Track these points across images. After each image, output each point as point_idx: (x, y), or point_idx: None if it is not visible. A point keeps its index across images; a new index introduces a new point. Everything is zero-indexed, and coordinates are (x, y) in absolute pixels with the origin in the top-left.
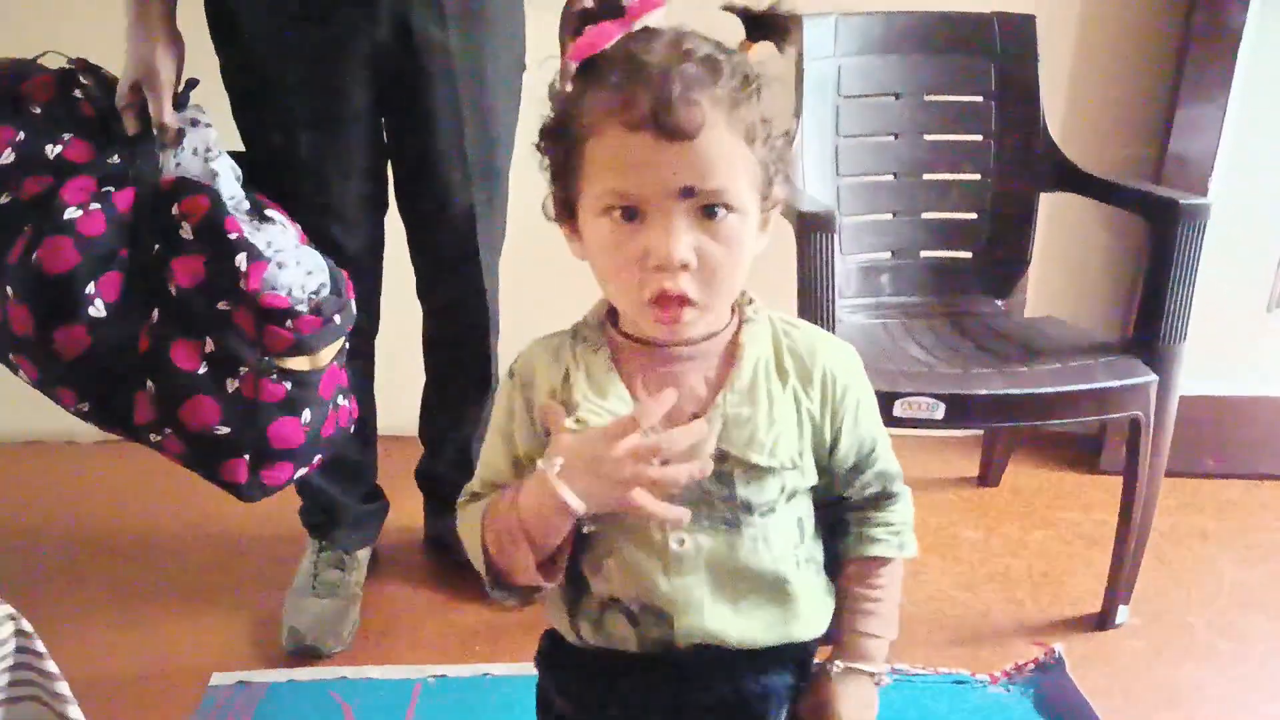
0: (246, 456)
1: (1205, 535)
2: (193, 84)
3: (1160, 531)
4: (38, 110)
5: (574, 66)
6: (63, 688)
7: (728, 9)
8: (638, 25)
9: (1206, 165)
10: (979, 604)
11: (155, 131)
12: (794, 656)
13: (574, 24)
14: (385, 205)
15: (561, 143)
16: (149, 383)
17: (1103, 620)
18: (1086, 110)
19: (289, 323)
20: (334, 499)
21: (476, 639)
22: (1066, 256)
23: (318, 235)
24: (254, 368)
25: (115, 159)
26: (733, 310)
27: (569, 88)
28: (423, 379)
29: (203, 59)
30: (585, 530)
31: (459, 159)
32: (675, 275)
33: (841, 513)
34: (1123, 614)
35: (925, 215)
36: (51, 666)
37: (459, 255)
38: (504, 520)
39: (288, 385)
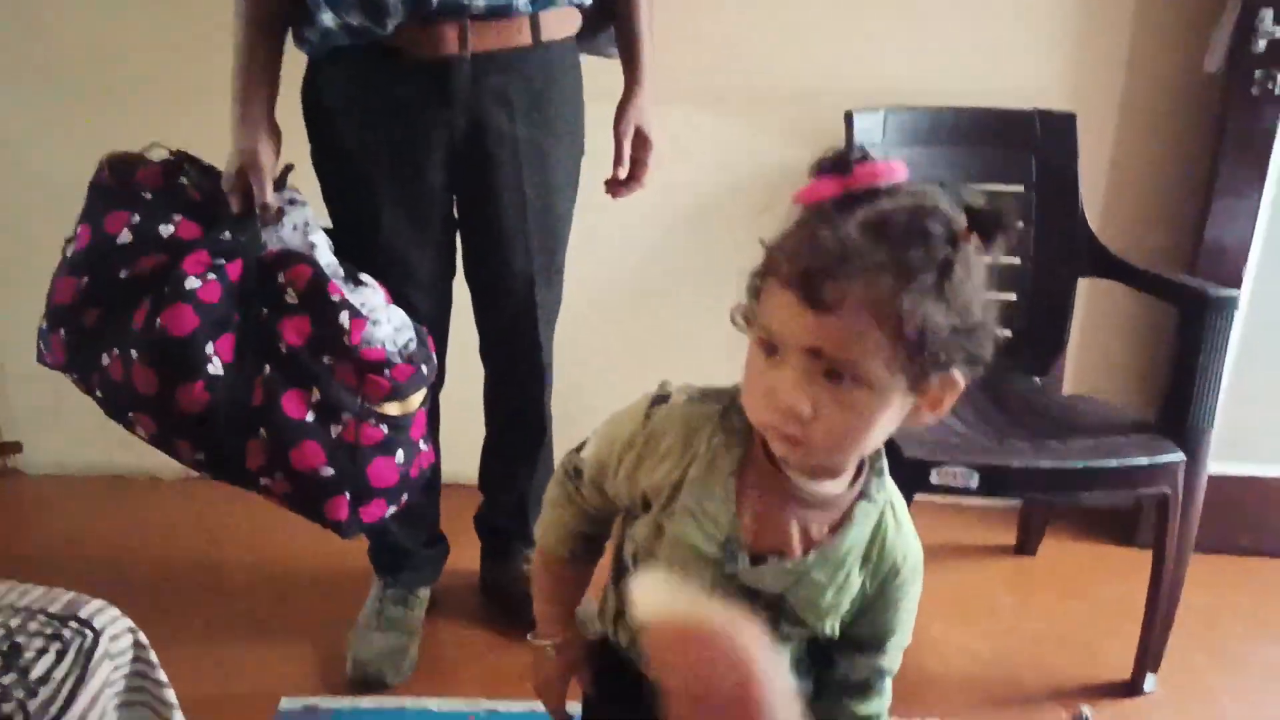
0: (348, 495)
1: (1236, 611)
2: (290, 169)
3: (1192, 606)
4: (149, 195)
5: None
6: (170, 695)
7: (961, 206)
8: (859, 189)
9: (1241, 255)
10: (1011, 668)
11: (258, 210)
12: None
13: (812, 168)
14: (454, 272)
15: (761, 264)
16: (261, 431)
17: (1131, 688)
18: (1124, 200)
19: (386, 372)
20: (400, 541)
21: (525, 677)
22: (1104, 338)
23: (396, 298)
24: (355, 414)
25: (226, 235)
26: (858, 473)
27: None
28: (483, 433)
29: (293, 144)
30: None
31: (521, 234)
32: (786, 419)
33: (824, 680)
34: (1150, 682)
35: None
36: (161, 675)
37: (518, 318)
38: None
39: (384, 429)
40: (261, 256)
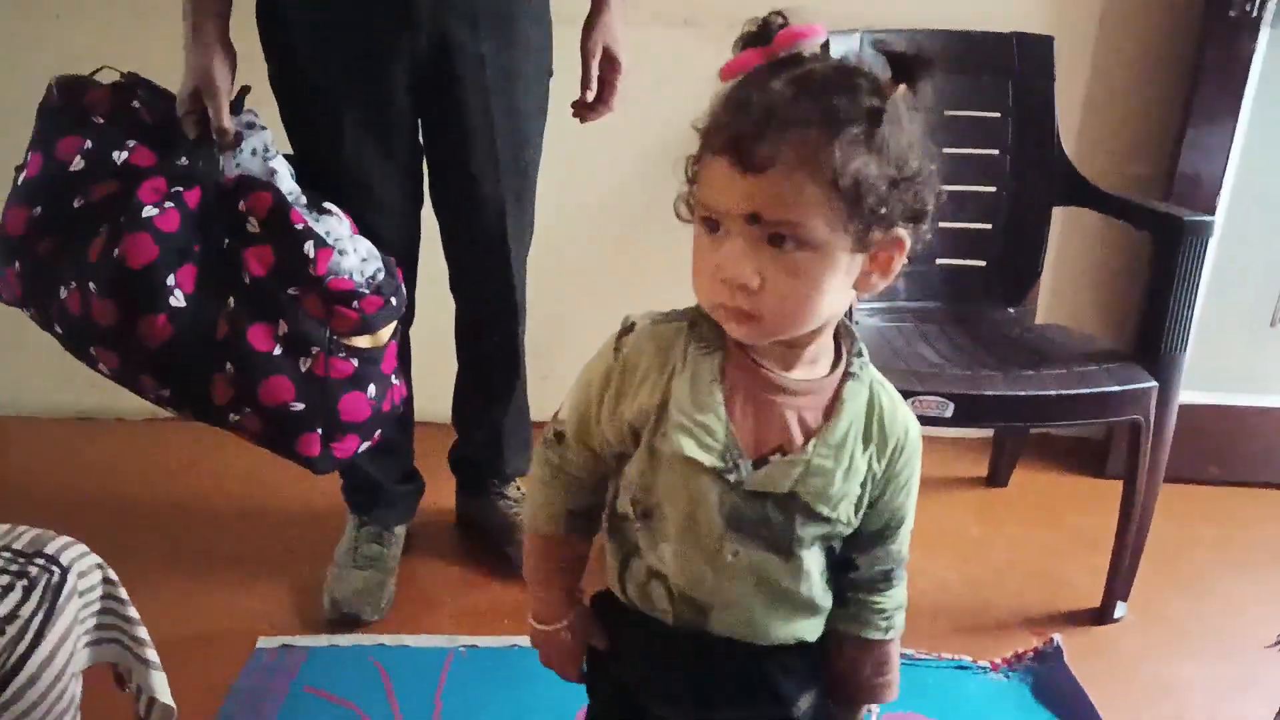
0: (319, 430)
1: (1204, 540)
2: (246, 90)
3: (1161, 535)
4: (100, 120)
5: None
6: (142, 632)
7: (880, 51)
8: (783, 53)
9: (1214, 184)
10: (982, 597)
11: (215, 135)
12: (810, 653)
13: (737, 43)
14: (421, 200)
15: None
16: (228, 365)
17: (1101, 615)
18: (1100, 128)
19: (355, 304)
20: (375, 478)
21: (504, 613)
22: (1077, 267)
23: (362, 228)
24: (324, 347)
25: (183, 161)
26: (838, 357)
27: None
28: (455, 368)
29: (250, 68)
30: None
31: (490, 158)
32: (734, 293)
33: (844, 580)
34: (1120, 610)
35: (941, 224)
36: (132, 612)
37: (489, 248)
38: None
39: (355, 362)
40: (220, 183)
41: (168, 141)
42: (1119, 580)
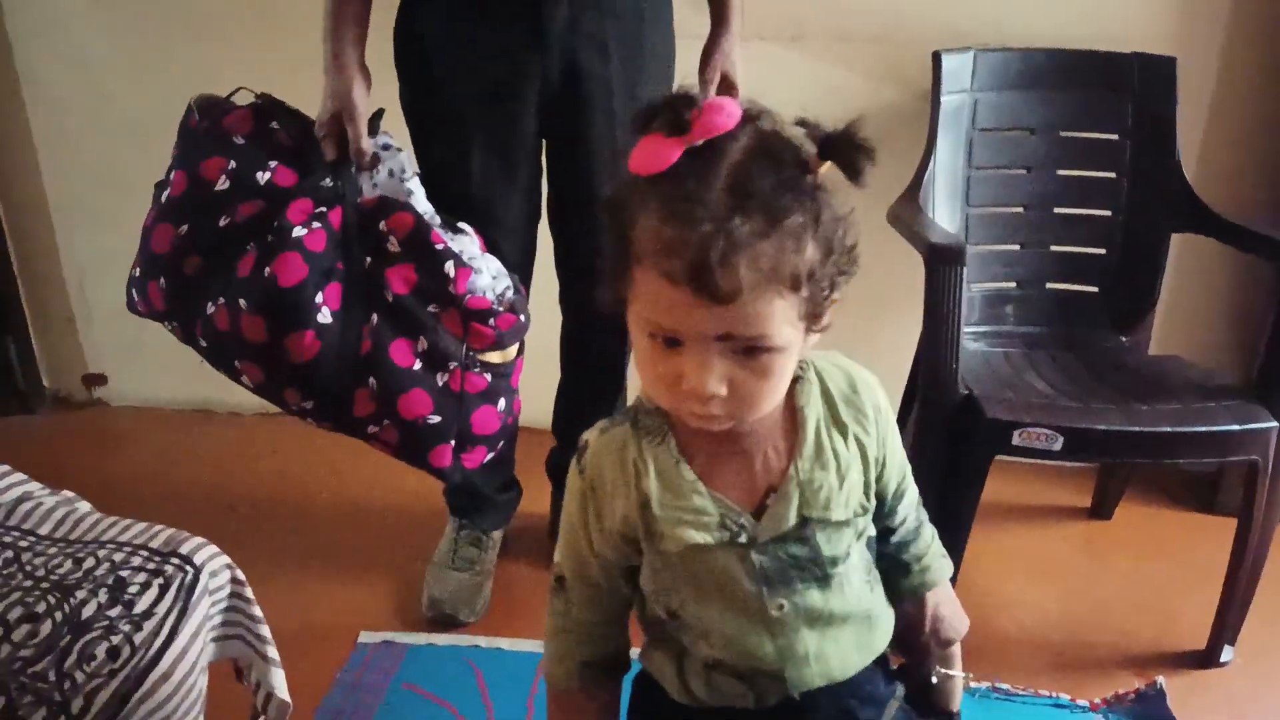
0: (452, 443)
1: None
2: (381, 113)
3: (1275, 578)
4: (241, 141)
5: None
6: (264, 630)
7: (799, 124)
8: (701, 142)
9: None
10: (1083, 632)
11: (354, 157)
12: (878, 661)
13: (638, 124)
14: (539, 218)
15: (616, 241)
16: (370, 380)
17: (1207, 658)
18: (1223, 153)
19: (491, 321)
20: (477, 485)
21: None
22: (1195, 296)
23: (486, 245)
24: (461, 363)
25: (326, 181)
26: None
27: (625, 190)
28: (554, 375)
29: (381, 91)
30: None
31: (612, 179)
32: (705, 403)
33: (892, 555)
34: (1228, 653)
35: (1053, 248)
36: (257, 611)
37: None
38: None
39: (488, 377)
40: (360, 204)
41: (306, 162)
42: (1228, 622)
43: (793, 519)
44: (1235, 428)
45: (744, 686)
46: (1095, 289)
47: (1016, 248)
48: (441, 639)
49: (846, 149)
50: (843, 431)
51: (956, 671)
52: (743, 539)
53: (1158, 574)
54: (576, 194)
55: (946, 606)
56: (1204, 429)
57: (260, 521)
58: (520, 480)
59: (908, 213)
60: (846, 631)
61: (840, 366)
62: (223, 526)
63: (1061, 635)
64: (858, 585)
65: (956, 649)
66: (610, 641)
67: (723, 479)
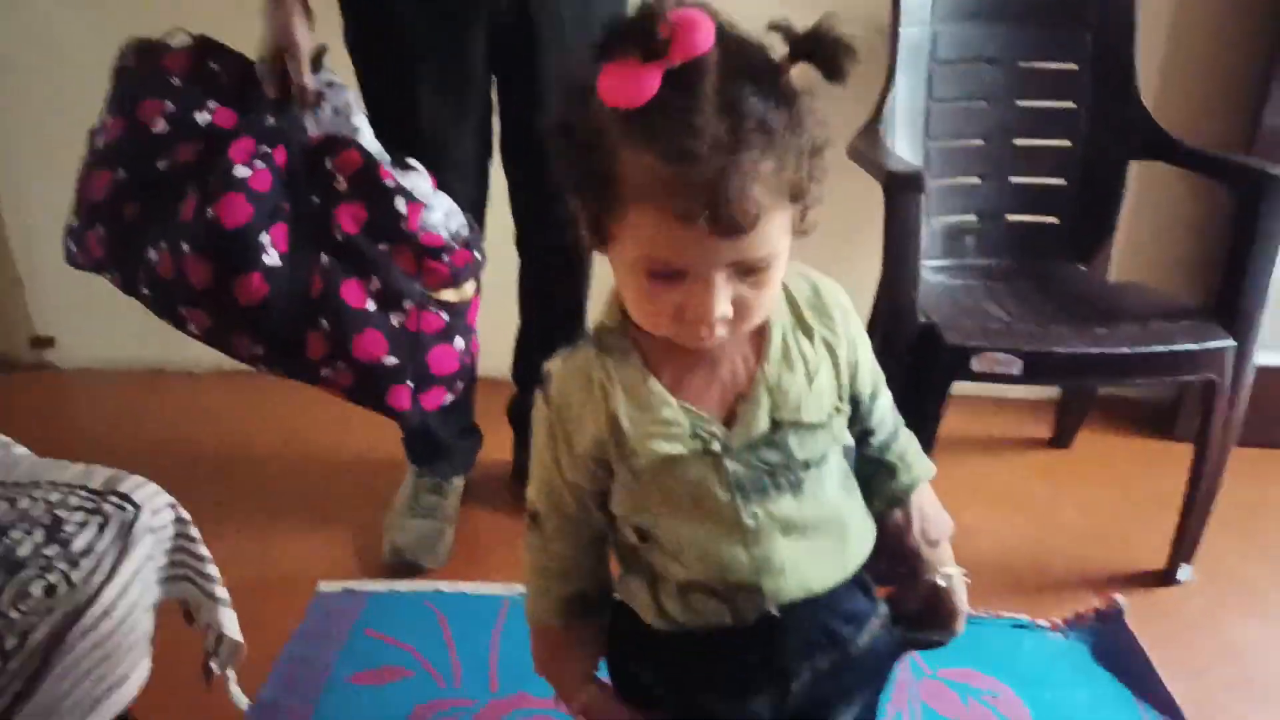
0: (410, 383)
1: (1275, 504)
2: (323, 49)
3: (1230, 498)
4: (179, 82)
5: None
6: (212, 569)
7: (772, 28)
8: (680, 63)
9: None
10: (1044, 557)
11: (297, 95)
12: (857, 580)
13: (604, 48)
14: (491, 156)
15: (595, 181)
16: (323, 321)
17: (1165, 577)
18: (1180, 81)
19: (445, 258)
20: (435, 431)
21: None
22: (1153, 224)
23: (437, 183)
24: (416, 302)
25: (269, 120)
26: None
27: (599, 121)
28: (513, 324)
29: (324, 28)
30: (642, 533)
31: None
32: (711, 327)
33: (875, 458)
34: (1185, 572)
35: (1013, 179)
36: (204, 550)
37: (558, 206)
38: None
39: (444, 316)
40: (306, 142)
41: (248, 102)
42: (1185, 543)
43: (764, 423)
44: (1192, 347)
45: (721, 604)
46: (1055, 219)
47: (976, 180)
48: (403, 585)
49: (823, 46)
50: (809, 334)
51: (953, 569)
52: (715, 447)
53: (1117, 499)
54: (529, 130)
55: (931, 506)
56: (1161, 349)
57: (218, 477)
58: (481, 429)
59: (868, 146)
60: (821, 539)
61: (802, 274)
62: (179, 482)
63: (1023, 561)
64: (832, 491)
65: (947, 549)
66: (590, 576)
67: (692, 390)
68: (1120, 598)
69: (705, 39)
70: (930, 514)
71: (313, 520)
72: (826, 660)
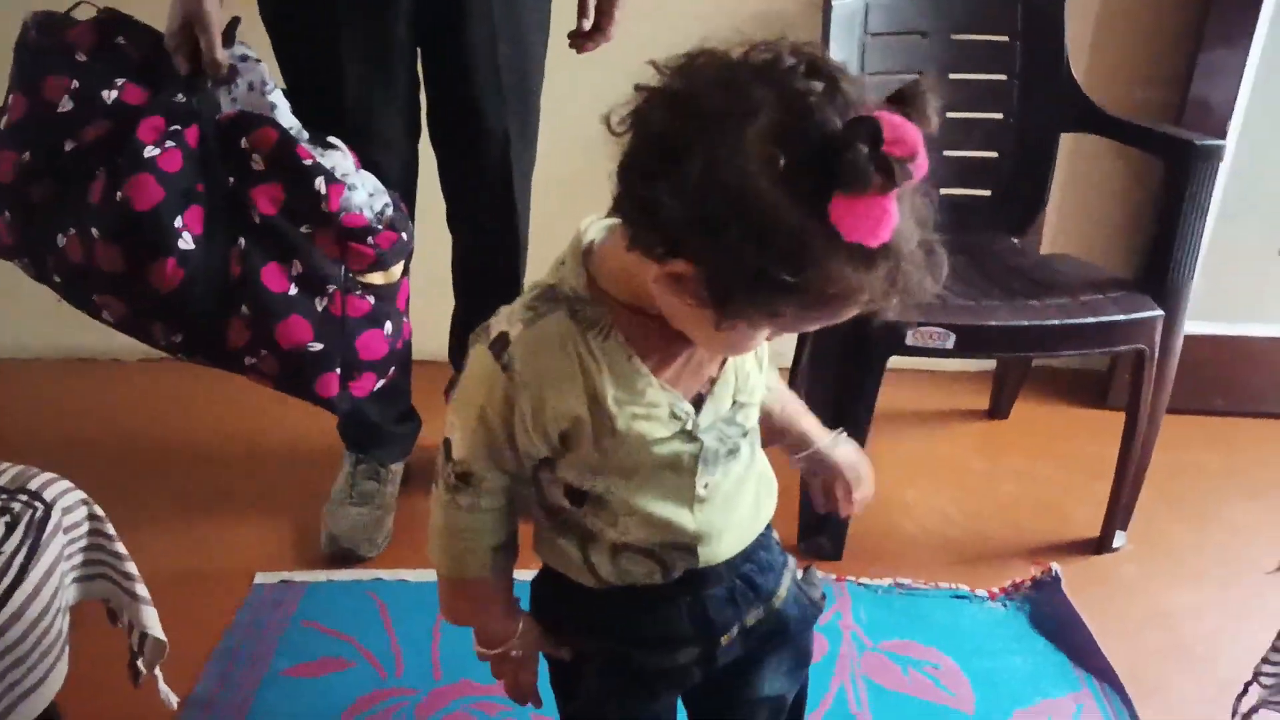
0: (338, 370)
1: (1207, 470)
2: (236, 22)
3: (1163, 465)
4: (85, 58)
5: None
6: (130, 567)
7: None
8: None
9: (1226, 110)
10: (982, 528)
11: (208, 70)
12: (766, 534)
13: (818, 178)
14: (419, 133)
15: (770, 275)
16: (243, 307)
17: (1100, 545)
18: (1110, 52)
19: (369, 240)
20: (371, 417)
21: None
22: (1085, 196)
23: (363, 163)
24: (340, 285)
25: (179, 98)
26: None
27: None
28: (449, 306)
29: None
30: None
31: (494, 88)
32: None
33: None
34: (1120, 539)
35: (945, 153)
36: (120, 548)
37: (492, 183)
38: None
39: (371, 300)
40: (219, 120)
41: (157, 78)
42: (1119, 510)
43: (728, 404)
44: (1121, 319)
45: (652, 563)
46: (988, 192)
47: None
48: (341, 575)
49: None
50: None
51: (831, 433)
52: (689, 426)
53: (1053, 469)
54: (456, 102)
55: (784, 390)
56: (1091, 321)
57: (146, 467)
58: (420, 413)
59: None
60: (748, 497)
61: None
62: (105, 477)
63: (961, 532)
64: (755, 447)
65: (814, 420)
66: (511, 524)
67: (670, 372)
68: (1056, 566)
69: (924, 153)
70: (787, 394)
71: (248, 511)
72: (753, 615)
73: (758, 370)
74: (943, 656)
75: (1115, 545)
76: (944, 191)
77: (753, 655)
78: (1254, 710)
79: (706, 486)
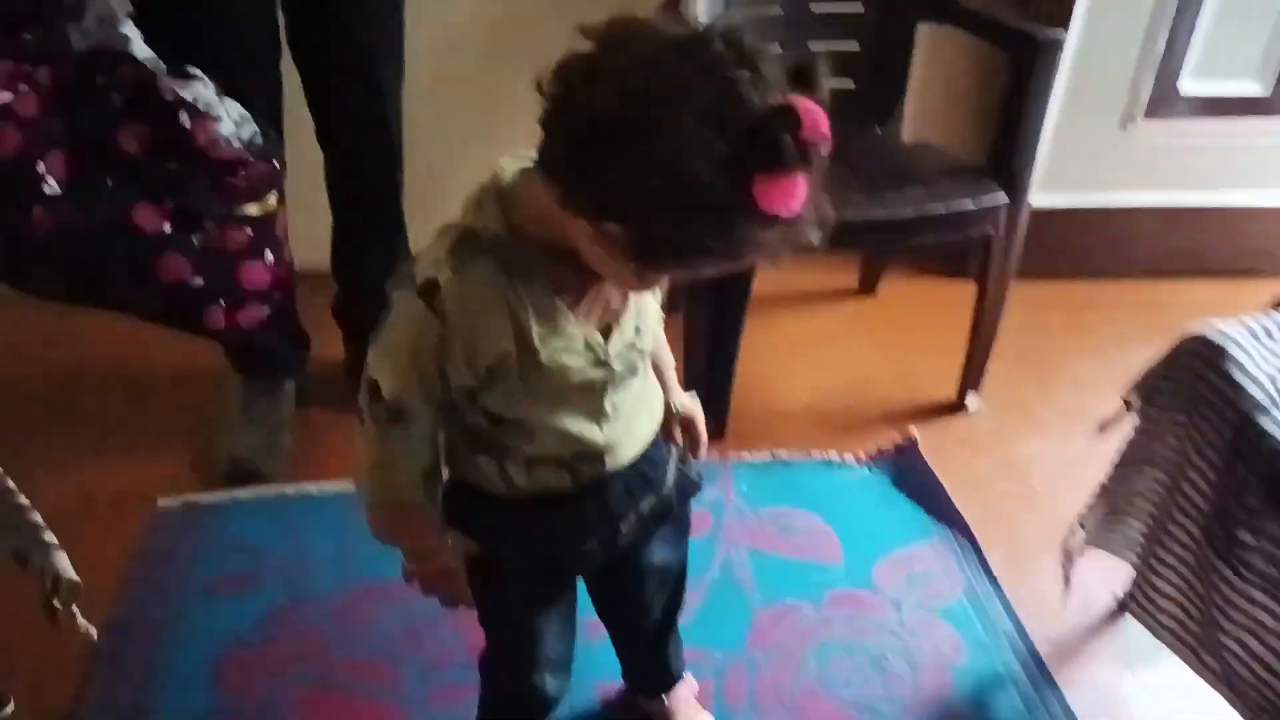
0: (222, 303)
1: (1053, 330)
2: None
3: (1013, 328)
4: None
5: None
6: (35, 517)
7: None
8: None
9: None
10: (852, 400)
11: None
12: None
13: (745, 163)
14: (280, 50)
15: (698, 240)
16: (119, 249)
17: (954, 407)
18: None
19: (241, 171)
20: (259, 340)
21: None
22: (942, 85)
23: (226, 89)
24: (216, 219)
25: (26, 37)
26: None
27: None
28: (326, 216)
29: None
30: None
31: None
32: None
33: None
34: (973, 401)
35: (810, 44)
36: (22, 500)
37: (361, 98)
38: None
39: (249, 231)
40: (72, 58)
41: (3, 20)
42: (971, 374)
43: (632, 330)
44: (970, 206)
45: (565, 471)
46: (851, 84)
47: (776, 47)
48: (245, 494)
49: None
50: None
51: (685, 395)
52: (602, 355)
53: (915, 340)
54: (319, 18)
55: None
56: (942, 209)
57: (33, 402)
58: (307, 327)
59: (667, 15)
60: (644, 408)
61: None
62: None
63: (832, 404)
64: (648, 365)
65: (674, 377)
66: (434, 448)
67: (583, 305)
68: (915, 430)
69: (829, 132)
70: (662, 343)
71: (146, 441)
72: (647, 504)
73: (652, 297)
74: (814, 518)
75: (970, 407)
76: None
77: (642, 534)
78: (1078, 549)
79: (613, 406)
